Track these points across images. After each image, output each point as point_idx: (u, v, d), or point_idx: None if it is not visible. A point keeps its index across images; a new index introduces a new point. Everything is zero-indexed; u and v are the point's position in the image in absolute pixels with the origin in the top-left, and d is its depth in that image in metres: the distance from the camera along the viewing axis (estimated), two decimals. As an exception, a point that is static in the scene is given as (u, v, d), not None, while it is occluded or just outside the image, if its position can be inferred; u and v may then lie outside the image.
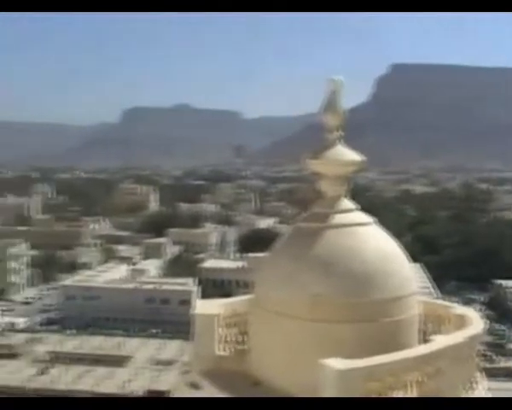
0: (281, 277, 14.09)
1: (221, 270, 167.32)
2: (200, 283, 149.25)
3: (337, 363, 11.67)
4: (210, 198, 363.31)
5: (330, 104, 14.86)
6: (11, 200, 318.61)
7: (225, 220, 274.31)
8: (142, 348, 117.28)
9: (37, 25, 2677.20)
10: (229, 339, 15.68)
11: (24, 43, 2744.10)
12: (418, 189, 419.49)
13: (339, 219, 14.57)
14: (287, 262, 14.19)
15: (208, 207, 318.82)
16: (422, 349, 12.91)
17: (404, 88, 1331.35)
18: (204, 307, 16.05)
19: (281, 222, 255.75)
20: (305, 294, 13.66)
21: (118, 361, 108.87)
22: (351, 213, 14.79)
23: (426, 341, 14.01)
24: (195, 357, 15.59)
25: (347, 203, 14.96)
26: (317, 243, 14.15)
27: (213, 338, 15.45)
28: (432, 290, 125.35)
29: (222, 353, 15.45)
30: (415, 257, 55.45)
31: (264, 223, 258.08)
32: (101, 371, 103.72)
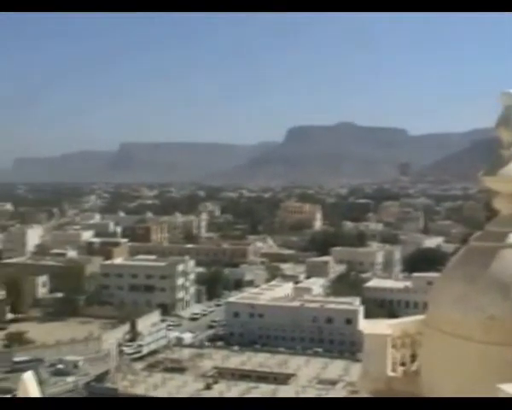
0: (455, 297, 13.61)
1: (386, 290, 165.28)
2: (364, 302, 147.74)
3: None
4: (375, 217, 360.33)
5: (505, 119, 14.26)
6: (179, 218, 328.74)
7: (390, 239, 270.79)
8: (305, 367, 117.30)
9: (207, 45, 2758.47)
10: (399, 360, 15.30)
11: (189, 68, 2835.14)
12: None
13: (516, 238, 13.92)
14: (461, 283, 13.69)
15: (373, 226, 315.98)
16: None
17: None
18: (373, 327, 15.71)
19: (448, 241, 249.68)
20: (480, 315, 13.12)
21: (282, 379, 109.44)
22: (528, 232, 14.08)
23: None
24: (365, 377, 15.27)
25: (525, 222, 14.26)
26: (493, 263, 13.56)
27: (384, 358, 15.09)
28: None
29: (392, 374, 15.09)
30: None
31: (431, 242, 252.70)
32: (264, 388, 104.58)
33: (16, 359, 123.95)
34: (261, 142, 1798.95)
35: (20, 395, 10.08)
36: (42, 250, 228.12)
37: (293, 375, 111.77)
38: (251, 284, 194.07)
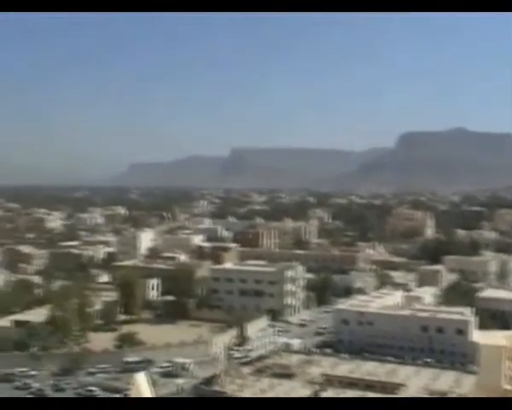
0: None
1: (500, 300, 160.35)
2: (476, 313, 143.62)
3: None
4: (489, 225, 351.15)
5: None
6: (289, 224, 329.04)
7: (505, 248, 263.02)
8: (415, 377, 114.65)
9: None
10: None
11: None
12: None
13: None
14: None
15: (487, 235, 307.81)
16: None
17: None
18: (489, 338, 14.81)
19: None
20: None
21: (390, 389, 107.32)
22: None
23: None
24: (479, 388, 14.37)
25: None
26: None
27: (499, 370, 14.18)
28: None
29: (508, 386, 14.13)
30: None
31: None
32: (372, 397, 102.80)
33: (127, 359, 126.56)
34: (372, 148, 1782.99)
35: (133, 394, 9.89)
36: (153, 254, 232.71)
37: (401, 385, 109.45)
38: (360, 291, 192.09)
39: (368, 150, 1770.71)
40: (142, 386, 9.85)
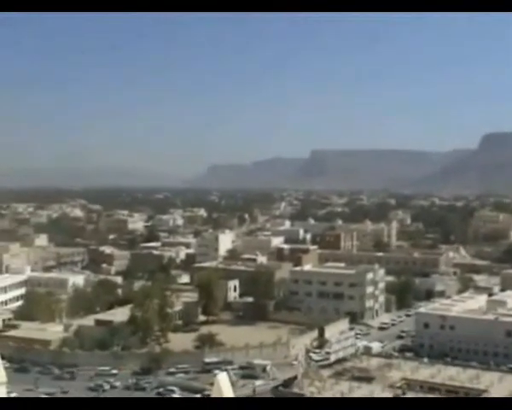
0: None
1: None
2: None
3: None
4: None
5: None
6: (369, 226, 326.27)
7: None
8: (499, 383, 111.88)
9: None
10: None
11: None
12: None
13: None
14: None
15: None
16: None
17: None
18: None
19: None
20: None
21: (473, 394, 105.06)
22: None
23: None
24: None
25: None
26: None
27: None
28: None
29: None
30: None
31: None
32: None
33: (207, 360, 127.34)
34: (454, 149, 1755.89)
35: (214, 394, 9.67)
36: (233, 255, 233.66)
37: (484, 391, 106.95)
38: (442, 294, 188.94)
39: (450, 151, 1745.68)
40: (223, 386, 9.74)
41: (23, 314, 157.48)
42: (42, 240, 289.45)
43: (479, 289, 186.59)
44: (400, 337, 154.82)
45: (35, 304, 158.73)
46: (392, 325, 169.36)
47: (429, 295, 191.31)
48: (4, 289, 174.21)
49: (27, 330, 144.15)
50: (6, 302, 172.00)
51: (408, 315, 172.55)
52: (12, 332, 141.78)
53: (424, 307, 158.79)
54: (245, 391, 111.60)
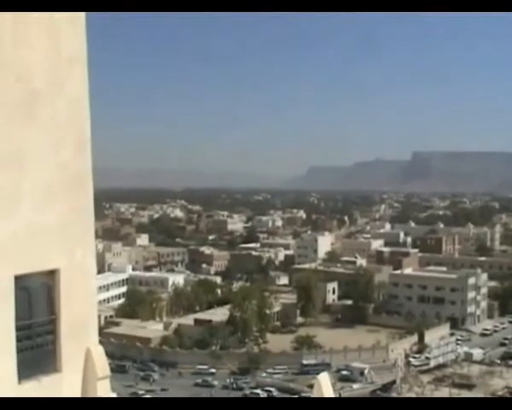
0: None
1: None
2: None
3: None
4: None
5: None
6: (472, 230, 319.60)
7: None
8: None
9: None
10: None
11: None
12: None
13: None
14: None
15: None
16: None
17: None
18: None
19: None
20: None
21: None
22: None
23: None
24: None
25: None
26: None
27: None
28: None
29: None
30: None
31: None
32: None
33: (305, 362, 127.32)
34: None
35: (315, 394, 9.70)
36: (332, 257, 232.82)
37: None
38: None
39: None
40: (324, 387, 9.69)
41: (124, 312, 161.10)
42: (143, 240, 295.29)
43: None
44: (503, 345, 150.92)
45: (136, 302, 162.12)
46: (495, 331, 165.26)
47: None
48: (106, 287, 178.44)
49: (128, 327, 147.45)
50: (108, 300, 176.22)
51: (511, 322, 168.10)
52: (113, 329, 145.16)
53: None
54: (343, 394, 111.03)
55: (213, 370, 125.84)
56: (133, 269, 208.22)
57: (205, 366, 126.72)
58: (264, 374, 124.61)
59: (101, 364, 12.17)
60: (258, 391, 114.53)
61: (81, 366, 12.03)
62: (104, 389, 12.10)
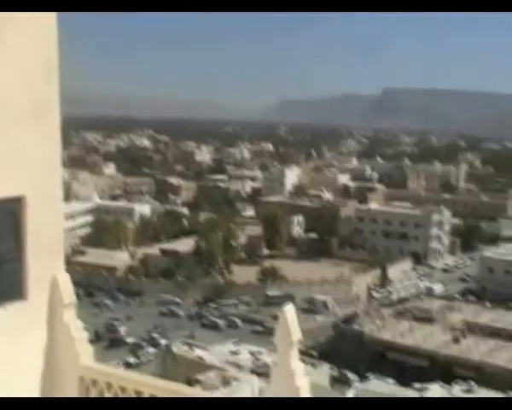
0: None
1: None
2: None
3: None
4: None
5: None
6: (437, 167, 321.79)
7: None
8: None
9: None
10: None
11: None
12: None
13: None
14: None
15: None
16: None
17: None
18: None
19: None
20: None
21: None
22: None
23: None
24: None
25: None
26: None
27: None
28: None
29: None
30: None
31: None
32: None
33: (269, 293, 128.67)
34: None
35: (280, 327, 9.99)
36: (299, 191, 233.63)
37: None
38: (509, 239, 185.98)
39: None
40: (289, 318, 9.79)
41: (90, 241, 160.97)
42: (110, 169, 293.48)
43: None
44: (463, 280, 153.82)
45: (102, 231, 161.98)
46: (456, 267, 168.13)
47: (495, 239, 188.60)
48: (72, 216, 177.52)
49: (94, 256, 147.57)
50: (74, 229, 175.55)
51: (472, 259, 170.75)
52: (79, 258, 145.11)
53: (489, 251, 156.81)
54: (307, 326, 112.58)
55: (179, 300, 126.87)
56: (100, 198, 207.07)
57: (170, 296, 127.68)
58: (229, 304, 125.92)
59: (68, 291, 12.24)
60: (222, 321, 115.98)
61: (47, 293, 12.08)
62: (70, 317, 12.19)
